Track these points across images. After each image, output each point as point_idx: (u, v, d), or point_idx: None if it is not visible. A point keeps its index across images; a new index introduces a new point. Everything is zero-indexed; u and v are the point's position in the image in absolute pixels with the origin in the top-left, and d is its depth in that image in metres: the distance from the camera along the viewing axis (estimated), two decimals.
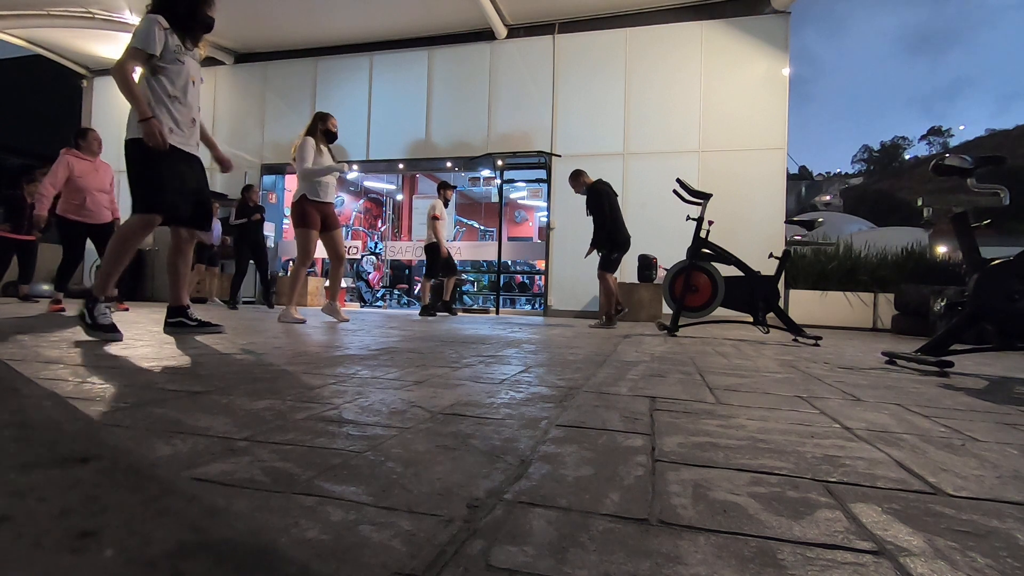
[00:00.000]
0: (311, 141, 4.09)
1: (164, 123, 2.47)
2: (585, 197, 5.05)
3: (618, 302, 4.99)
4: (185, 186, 2.55)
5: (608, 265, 4.94)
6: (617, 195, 5.08)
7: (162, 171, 2.46)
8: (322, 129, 4.19)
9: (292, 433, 0.90)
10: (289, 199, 9.89)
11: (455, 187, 6.83)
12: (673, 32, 7.30)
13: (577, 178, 5.08)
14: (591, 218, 5.04)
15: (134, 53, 2.39)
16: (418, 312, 6.80)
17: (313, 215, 4.10)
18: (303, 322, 3.84)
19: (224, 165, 2.97)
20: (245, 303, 6.90)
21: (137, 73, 2.45)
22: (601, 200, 4.88)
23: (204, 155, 2.78)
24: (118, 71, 2.37)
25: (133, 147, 2.45)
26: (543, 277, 8.37)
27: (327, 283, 4.56)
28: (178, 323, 2.73)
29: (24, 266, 5.75)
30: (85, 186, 4.46)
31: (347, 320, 4.37)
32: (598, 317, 5.13)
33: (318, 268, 9.47)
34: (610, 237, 4.89)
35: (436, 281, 6.46)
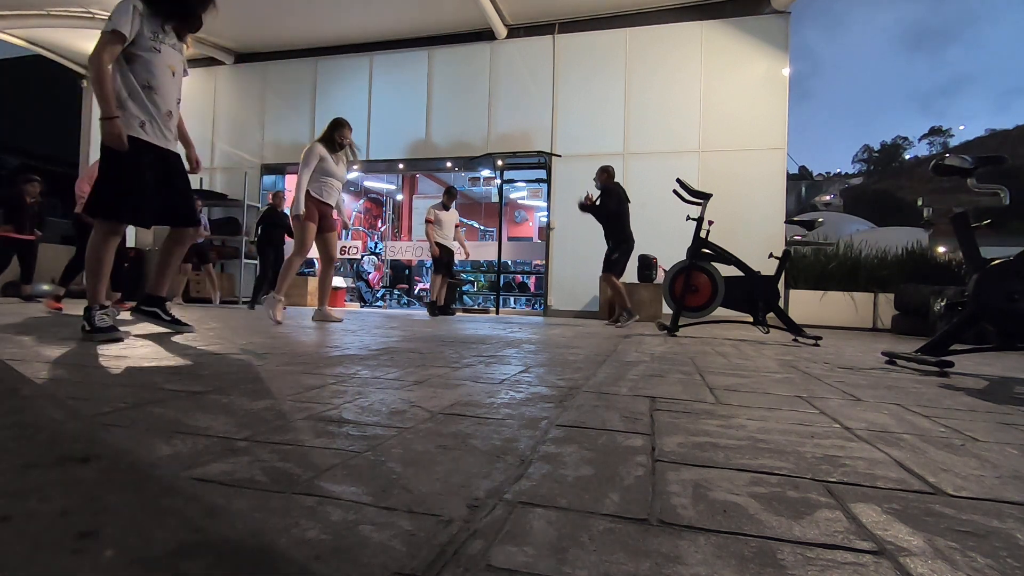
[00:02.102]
0: (318, 148, 4.13)
1: (136, 116, 2.35)
2: (599, 192, 5.09)
3: (626, 306, 4.97)
4: (152, 187, 2.43)
5: (610, 266, 4.93)
6: (629, 201, 5.09)
7: (126, 173, 2.34)
8: (332, 137, 4.23)
9: (292, 433, 0.90)
10: (290, 199, 9.94)
11: (455, 196, 6.92)
12: (673, 32, 7.29)
13: (604, 172, 5.17)
14: (593, 215, 5.06)
15: (109, 38, 2.25)
16: (426, 312, 6.90)
17: (311, 210, 4.11)
18: (279, 323, 3.79)
19: (192, 165, 2.78)
20: (245, 303, 6.94)
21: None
22: (612, 198, 4.93)
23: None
24: (94, 60, 2.24)
25: (105, 147, 2.35)
26: (543, 277, 8.37)
27: (318, 283, 4.56)
28: (153, 313, 2.69)
29: (25, 266, 5.78)
30: None
31: (340, 320, 4.37)
32: (610, 317, 5.15)
33: (318, 268, 9.48)
34: (618, 234, 4.92)
35: (442, 277, 6.60)
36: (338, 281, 9.45)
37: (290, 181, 9.85)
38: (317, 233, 4.21)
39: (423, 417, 1.06)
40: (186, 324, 2.77)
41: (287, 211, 7.38)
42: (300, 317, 4.71)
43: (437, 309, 6.46)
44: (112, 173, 2.34)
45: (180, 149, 2.63)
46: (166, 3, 2.41)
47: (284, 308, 4.02)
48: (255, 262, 7.71)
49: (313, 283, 8.31)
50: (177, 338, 2.48)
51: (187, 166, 2.69)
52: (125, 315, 4.39)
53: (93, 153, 9.56)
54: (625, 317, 4.90)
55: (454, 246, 6.77)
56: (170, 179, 2.53)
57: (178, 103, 2.57)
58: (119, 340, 2.24)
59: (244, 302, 7.02)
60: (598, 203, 5.06)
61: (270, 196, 7.46)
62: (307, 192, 4.12)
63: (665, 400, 1.34)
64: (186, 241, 2.70)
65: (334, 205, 4.32)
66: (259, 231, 6.98)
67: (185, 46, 2.60)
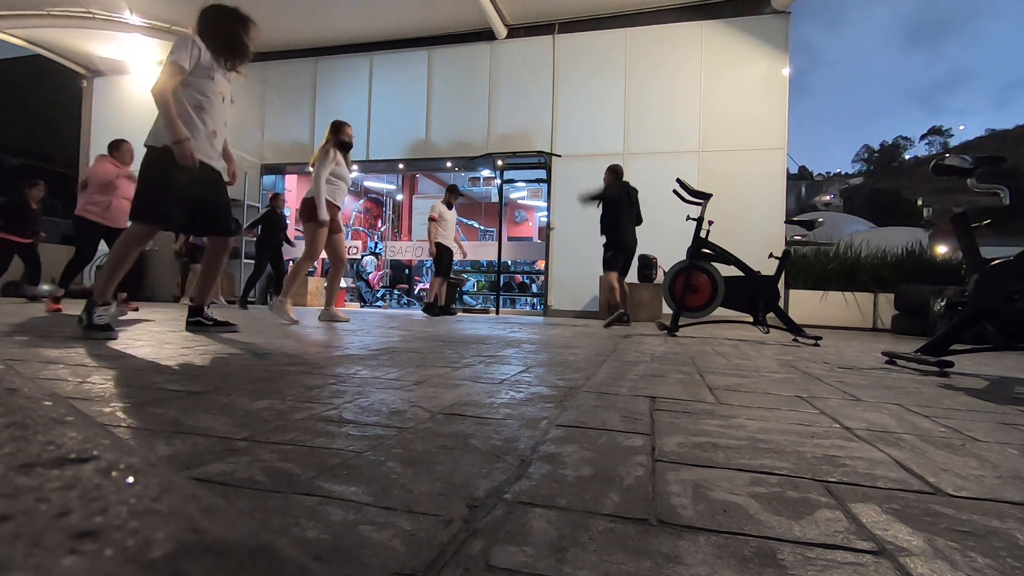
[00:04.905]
0: (332, 151, 4.15)
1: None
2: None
3: (619, 305, 4.95)
4: (190, 197, 2.64)
5: (606, 263, 4.93)
6: (632, 204, 5.03)
7: (168, 183, 2.55)
8: (338, 139, 4.25)
9: (292, 433, 0.90)
10: (289, 199, 9.97)
11: (461, 194, 6.90)
12: (673, 32, 7.30)
13: (608, 173, 5.14)
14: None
15: (172, 70, 2.51)
16: (421, 309, 6.89)
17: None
18: (296, 322, 3.83)
19: (229, 177, 3.07)
20: (249, 303, 6.95)
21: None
22: (606, 202, 4.93)
23: None
24: (159, 92, 2.46)
25: (150, 154, 2.57)
26: (543, 277, 8.37)
27: (327, 284, 4.57)
28: (196, 322, 2.88)
29: (31, 267, 5.86)
30: (115, 192, 4.63)
31: (347, 320, 4.38)
32: (609, 316, 5.12)
33: (318, 268, 9.49)
34: (609, 234, 4.92)
35: (444, 279, 6.56)
36: None
37: (290, 181, 9.86)
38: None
39: (423, 417, 1.06)
40: (232, 325, 2.94)
41: (286, 211, 7.42)
42: (302, 316, 4.71)
43: (438, 309, 6.45)
44: (155, 181, 2.55)
45: (222, 166, 2.89)
46: (221, 43, 2.69)
47: (291, 307, 4.04)
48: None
49: (314, 283, 8.31)
50: (177, 338, 2.49)
51: (225, 178, 2.95)
52: (132, 314, 4.42)
53: (93, 153, 9.56)
54: (615, 319, 4.87)
55: (453, 246, 6.75)
56: (211, 192, 2.78)
57: (224, 125, 2.85)
58: (112, 338, 2.28)
59: (250, 302, 7.00)
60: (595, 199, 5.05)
61: (269, 196, 7.48)
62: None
63: (665, 400, 1.34)
64: (224, 250, 2.94)
65: (342, 208, 4.36)
66: (258, 231, 6.98)
67: (236, 74, 2.88)
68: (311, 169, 4.20)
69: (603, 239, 5.02)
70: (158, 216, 2.58)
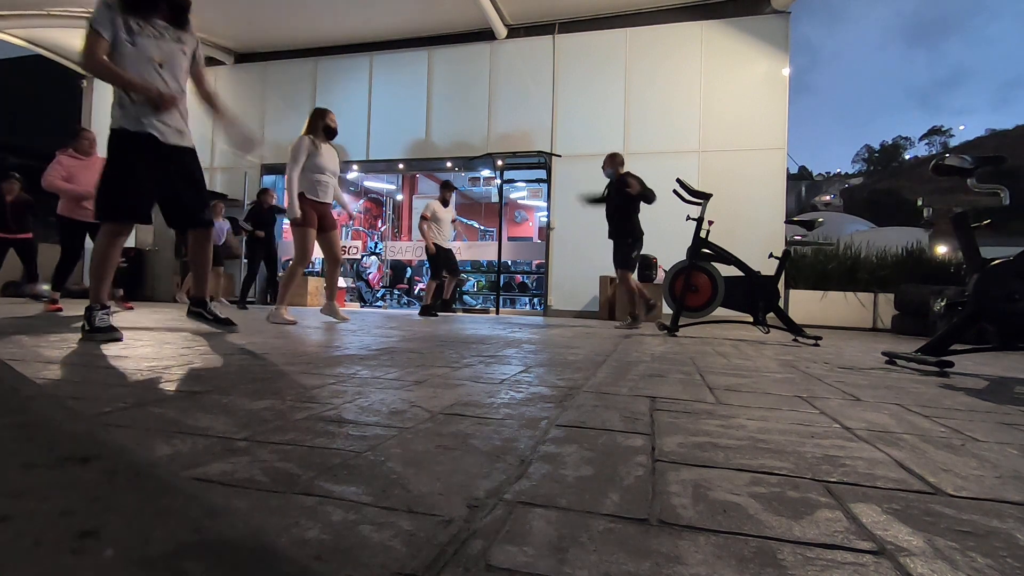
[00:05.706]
0: (305, 142, 3.94)
1: (137, 112, 2.33)
2: (611, 182, 4.90)
3: (646, 299, 4.91)
4: (155, 187, 2.45)
5: (628, 263, 4.81)
6: None
7: (130, 173, 2.34)
8: (321, 126, 4.05)
9: (292, 433, 0.90)
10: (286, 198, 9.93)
11: (454, 188, 6.77)
12: (673, 32, 7.30)
13: (613, 160, 4.98)
14: (608, 207, 4.91)
15: (94, 36, 2.25)
16: (418, 312, 6.82)
17: (310, 214, 3.99)
18: (294, 323, 3.79)
19: (219, 115, 2.73)
20: (248, 303, 6.95)
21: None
22: (632, 191, 4.80)
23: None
24: (88, 61, 2.25)
25: (110, 139, 2.37)
26: (538, 276, 8.37)
27: (325, 282, 4.53)
28: (198, 313, 2.83)
29: (26, 265, 5.77)
30: (79, 185, 4.49)
31: (347, 320, 4.35)
32: (622, 319, 5.08)
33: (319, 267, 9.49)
34: (634, 227, 4.81)
35: (439, 281, 6.42)
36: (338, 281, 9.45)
37: None
38: (318, 233, 4.10)
39: (423, 417, 1.06)
40: (232, 323, 2.87)
41: (280, 204, 7.28)
42: (302, 316, 4.71)
43: (433, 310, 6.33)
44: (114, 174, 2.35)
45: (190, 143, 2.57)
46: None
47: (288, 309, 4.00)
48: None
49: (314, 283, 8.31)
50: (177, 338, 2.49)
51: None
52: (127, 313, 4.41)
53: None
54: (631, 321, 4.86)
55: (453, 244, 6.62)
56: (181, 182, 2.53)
57: (182, 94, 2.52)
58: (118, 340, 2.25)
59: (249, 302, 6.98)
60: (607, 194, 4.87)
61: (257, 192, 7.37)
62: (301, 194, 3.96)
63: (665, 400, 1.34)
64: (206, 240, 2.73)
65: (331, 202, 4.17)
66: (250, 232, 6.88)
67: (184, 33, 2.51)
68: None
69: (608, 233, 4.91)
70: (121, 212, 2.38)
